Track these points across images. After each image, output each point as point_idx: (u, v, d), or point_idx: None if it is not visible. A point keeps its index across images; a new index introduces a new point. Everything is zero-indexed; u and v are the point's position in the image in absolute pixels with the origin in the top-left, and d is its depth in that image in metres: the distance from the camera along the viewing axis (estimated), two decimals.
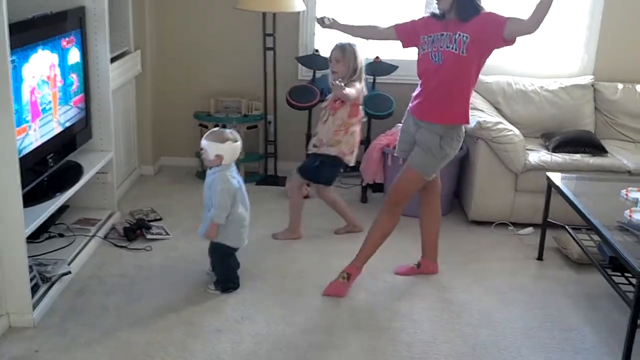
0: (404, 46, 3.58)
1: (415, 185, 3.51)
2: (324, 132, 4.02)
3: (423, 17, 3.50)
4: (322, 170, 4.07)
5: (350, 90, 3.86)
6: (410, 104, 3.52)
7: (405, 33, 3.52)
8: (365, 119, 4.09)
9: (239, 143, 3.41)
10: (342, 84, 3.79)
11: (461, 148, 3.55)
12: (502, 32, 3.20)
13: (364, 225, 4.24)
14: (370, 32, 3.70)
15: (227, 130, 3.44)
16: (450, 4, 3.28)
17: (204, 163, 3.46)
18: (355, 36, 3.75)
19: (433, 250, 3.78)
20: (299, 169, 4.14)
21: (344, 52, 3.92)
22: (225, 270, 3.49)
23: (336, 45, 3.98)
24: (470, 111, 3.40)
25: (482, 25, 3.23)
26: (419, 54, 3.46)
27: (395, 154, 3.78)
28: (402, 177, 3.50)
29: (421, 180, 3.48)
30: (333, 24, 3.66)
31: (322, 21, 3.66)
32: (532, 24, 3.17)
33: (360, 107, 4.01)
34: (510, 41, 3.25)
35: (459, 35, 3.25)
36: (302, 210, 4.22)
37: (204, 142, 3.37)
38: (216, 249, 3.47)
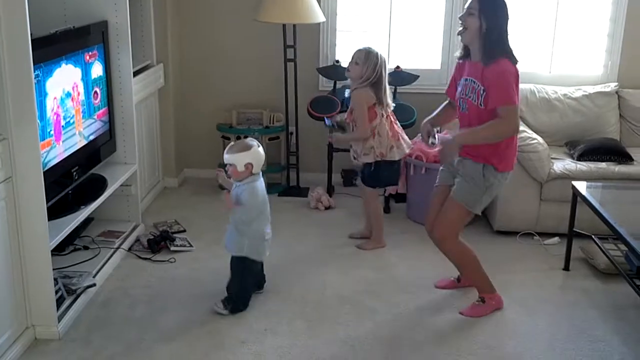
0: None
1: (460, 219, 3.39)
2: (354, 143, 4.06)
3: (457, 62, 3.43)
4: (378, 174, 4.08)
5: (339, 136, 4.09)
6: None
7: (453, 93, 3.44)
8: (386, 116, 4.03)
9: (262, 149, 3.34)
10: (334, 138, 4.02)
11: None
12: (491, 106, 3.14)
13: (386, 244, 4.24)
14: (449, 113, 3.54)
15: (245, 139, 3.38)
16: (472, 38, 3.20)
17: (232, 178, 3.31)
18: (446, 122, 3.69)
19: None
20: (363, 181, 4.16)
21: (368, 58, 3.90)
22: (241, 287, 3.38)
23: (362, 49, 3.95)
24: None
25: (491, 81, 3.13)
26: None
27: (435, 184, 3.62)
28: (446, 211, 3.39)
29: (465, 214, 3.37)
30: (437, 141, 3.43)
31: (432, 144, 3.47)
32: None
33: (378, 107, 3.96)
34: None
35: (478, 85, 3.18)
36: (382, 219, 4.26)
37: (227, 157, 3.26)
38: (239, 262, 3.38)
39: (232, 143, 3.43)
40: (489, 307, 3.47)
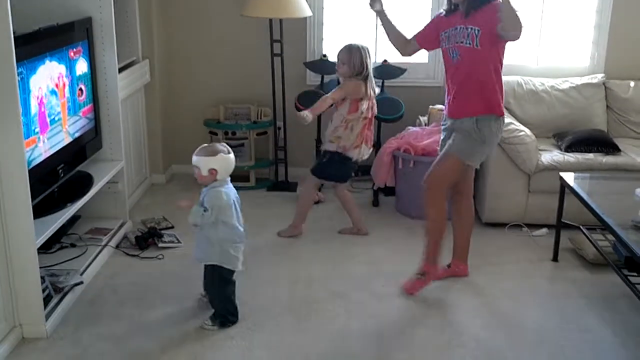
0: (428, 50, 3.64)
1: (453, 171, 3.48)
2: (328, 128, 4.12)
3: (437, 15, 3.54)
4: (330, 166, 4.11)
5: (312, 109, 3.98)
6: (444, 107, 3.58)
7: (424, 38, 3.58)
8: (365, 117, 4.05)
9: (232, 155, 3.21)
10: (306, 115, 3.92)
11: None
12: (497, 26, 3.20)
13: (369, 230, 4.24)
14: (399, 41, 3.69)
15: (217, 144, 3.25)
16: None
17: (198, 181, 3.21)
18: (388, 36, 3.70)
19: (464, 251, 3.76)
20: (312, 169, 4.20)
21: (350, 54, 3.95)
22: (224, 298, 3.26)
23: (344, 47, 4.00)
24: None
25: (491, 15, 3.22)
26: (442, 54, 3.51)
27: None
28: (440, 162, 3.48)
29: (460, 165, 3.46)
30: (380, 13, 3.65)
31: (373, 3, 3.64)
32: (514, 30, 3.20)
33: (362, 104, 3.99)
34: (504, 41, 3.28)
35: (471, 29, 3.27)
36: (309, 209, 4.28)
37: (194, 159, 3.16)
38: (214, 273, 3.23)
39: (204, 145, 3.28)
40: (428, 279, 3.57)
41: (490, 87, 3.37)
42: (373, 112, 4.12)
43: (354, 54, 3.94)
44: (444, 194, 3.52)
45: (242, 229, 3.27)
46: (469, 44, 3.30)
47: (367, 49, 4.00)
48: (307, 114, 3.93)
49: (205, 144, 3.29)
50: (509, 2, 3.13)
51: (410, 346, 3.10)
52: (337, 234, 4.30)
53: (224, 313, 3.26)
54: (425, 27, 3.60)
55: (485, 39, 3.26)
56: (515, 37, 3.23)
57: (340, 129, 4.03)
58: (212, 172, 3.14)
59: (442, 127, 3.63)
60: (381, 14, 3.68)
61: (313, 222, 4.44)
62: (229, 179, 3.24)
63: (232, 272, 3.25)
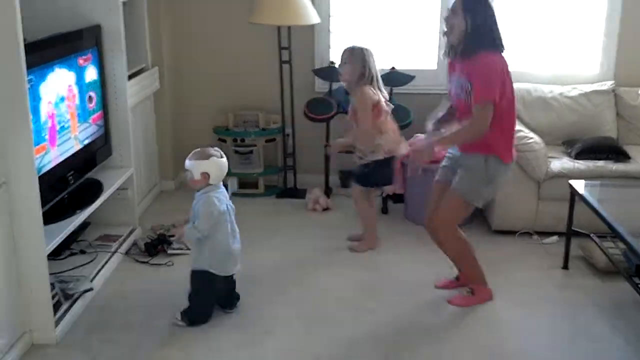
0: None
1: (459, 210, 3.40)
2: (359, 144, 4.04)
3: (448, 61, 3.44)
4: (375, 173, 4.06)
5: (337, 141, 4.12)
6: None
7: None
8: (387, 112, 4.01)
9: (224, 160, 3.24)
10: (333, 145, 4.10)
11: None
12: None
13: (379, 245, 4.21)
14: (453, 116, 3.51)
15: (211, 148, 3.27)
16: (458, 38, 3.21)
17: (190, 185, 3.26)
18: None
19: None
20: (356, 180, 4.15)
21: (352, 54, 3.92)
22: (199, 301, 3.27)
23: (346, 48, 3.98)
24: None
25: (473, 77, 3.15)
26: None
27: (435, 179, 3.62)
28: (445, 202, 3.40)
29: (465, 205, 3.38)
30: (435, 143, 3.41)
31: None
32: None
33: (382, 104, 3.96)
34: None
35: (465, 82, 3.19)
36: (375, 218, 4.24)
37: (187, 163, 3.19)
38: (199, 276, 3.25)
39: (196, 149, 3.29)
40: (478, 299, 3.51)
41: (492, 136, 3.21)
42: (389, 105, 4.06)
43: (356, 53, 3.90)
44: (456, 230, 3.46)
45: (235, 236, 3.27)
46: (464, 97, 3.22)
47: (370, 51, 3.95)
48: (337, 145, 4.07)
49: (198, 149, 3.30)
50: (445, 141, 3.16)
51: (418, 354, 3.08)
52: (346, 240, 4.28)
53: (197, 314, 3.28)
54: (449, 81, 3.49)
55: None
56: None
57: (377, 137, 3.96)
58: (205, 175, 3.17)
59: (448, 153, 3.54)
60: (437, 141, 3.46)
61: (323, 230, 4.44)
62: (221, 184, 3.25)
63: (220, 277, 3.26)
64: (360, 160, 4.07)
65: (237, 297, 3.45)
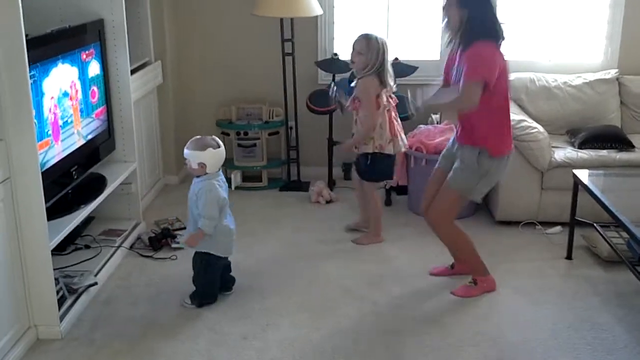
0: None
1: (454, 206, 3.44)
2: (356, 132, 4.05)
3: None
4: (375, 166, 4.05)
5: (346, 143, 4.10)
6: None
7: (447, 74, 3.48)
8: (387, 109, 4.00)
9: (221, 149, 3.32)
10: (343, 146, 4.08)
11: None
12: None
13: (384, 239, 4.21)
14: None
15: (209, 137, 3.35)
16: (456, 31, 3.23)
17: (190, 172, 3.38)
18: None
19: None
20: (359, 174, 4.16)
21: (369, 44, 3.85)
22: (206, 282, 3.39)
23: (361, 36, 3.89)
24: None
25: (465, 60, 3.16)
26: None
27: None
28: (440, 197, 3.43)
29: (460, 199, 3.41)
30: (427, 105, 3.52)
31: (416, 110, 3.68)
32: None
33: (382, 97, 3.94)
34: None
35: (462, 71, 3.19)
36: (381, 212, 4.24)
37: (185, 152, 3.31)
38: (201, 258, 3.36)
39: (195, 137, 3.38)
40: (480, 289, 3.53)
41: (485, 125, 3.26)
42: (394, 100, 4.05)
43: (372, 44, 3.84)
44: (453, 223, 3.49)
45: (233, 221, 3.39)
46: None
47: (385, 42, 3.91)
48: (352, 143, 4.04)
49: (198, 137, 3.37)
50: (445, 106, 3.18)
51: (423, 345, 3.09)
52: (350, 233, 4.29)
53: (203, 294, 3.39)
54: (445, 66, 3.51)
55: None
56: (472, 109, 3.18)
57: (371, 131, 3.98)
58: (202, 165, 3.28)
59: (448, 143, 3.59)
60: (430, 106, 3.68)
61: (326, 222, 4.44)
62: (220, 172, 3.34)
63: (219, 258, 3.35)
64: (356, 150, 4.08)
65: (233, 280, 3.53)
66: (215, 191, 3.26)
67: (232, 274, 3.55)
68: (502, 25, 3.22)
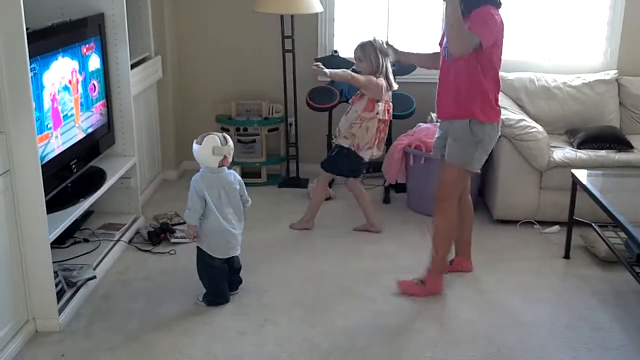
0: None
1: (458, 179, 3.43)
2: (342, 122, 4.12)
3: None
4: (339, 160, 4.12)
5: (332, 71, 4.03)
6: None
7: (440, 42, 3.49)
8: (380, 119, 4.05)
9: (196, 148, 3.27)
10: (320, 65, 4.04)
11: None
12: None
13: (382, 227, 4.23)
14: (428, 61, 3.66)
15: (205, 135, 3.30)
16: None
17: None
18: (420, 65, 3.72)
19: (467, 248, 3.75)
20: (322, 163, 4.23)
21: (364, 50, 3.95)
22: (208, 281, 3.39)
23: (357, 45, 4.00)
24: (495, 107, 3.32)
25: (474, 22, 3.14)
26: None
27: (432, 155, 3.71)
28: (443, 173, 3.44)
29: (462, 172, 3.41)
30: (398, 56, 3.70)
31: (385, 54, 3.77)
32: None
33: (379, 105, 3.99)
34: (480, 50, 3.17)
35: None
36: (320, 203, 4.31)
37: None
38: (198, 253, 3.37)
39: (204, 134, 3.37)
40: (426, 291, 3.49)
41: (474, 91, 3.25)
42: (389, 116, 4.12)
43: (367, 48, 3.93)
44: (453, 204, 3.46)
45: (229, 220, 3.31)
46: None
47: (378, 41, 3.94)
48: (326, 70, 4.01)
49: (204, 133, 3.34)
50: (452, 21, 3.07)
51: (420, 342, 3.10)
52: (348, 230, 4.30)
53: (211, 294, 3.38)
54: (442, 34, 3.51)
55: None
56: (458, 54, 3.16)
57: (356, 127, 4.02)
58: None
59: (438, 126, 3.60)
60: (400, 56, 3.77)
61: (324, 219, 4.45)
62: (223, 168, 3.30)
63: (213, 257, 3.33)
64: (334, 138, 4.16)
65: (239, 281, 3.51)
66: (195, 184, 3.26)
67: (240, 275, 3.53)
68: None
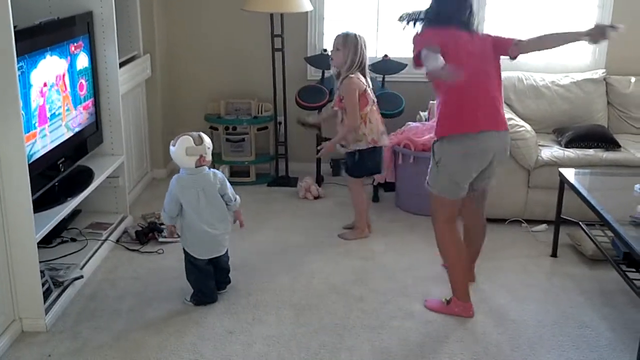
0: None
1: (436, 205, 3.29)
2: (345, 133, 4.03)
3: None
4: (364, 162, 4.06)
5: (327, 144, 4.13)
6: None
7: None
8: (375, 102, 4.04)
9: (173, 149, 3.23)
10: (324, 148, 4.11)
11: None
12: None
13: (369, 233, 4.23)
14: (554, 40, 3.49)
15: (180, 135, 3.26)
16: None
17: None
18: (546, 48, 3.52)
19: (470, 271, 3.60)
20: (346, 171, 4.17)
21: (346, 41, 3.91)
22: (193, 280, 3.37)
23: (339, 34, 3.96)
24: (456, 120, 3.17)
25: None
26: None
27: None
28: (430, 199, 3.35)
29: (439, 201, 3.25)
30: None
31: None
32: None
33: (369, 92, 3.98)
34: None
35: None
36: (366, 208, 4.24)
37: None
38: (183, 253, 3.36)
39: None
40: (450, 310, 3.32)
41: (441, 109, 3.20)
42: (374, 94, 4.09)
43: (350, 40, 3.90)
44: (451, 227, 3.31)
45: (209, 221, 3.27)
46: None
47: (363, 38, 3.95)
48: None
49: (180, 134, 3.31)
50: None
51: (408, 340, 3.11)
52: (336, 229, 4.29)
53: (197, 293, 3.37)
54: None
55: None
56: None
57: (362, 127, 3.97)
58: None
59: None
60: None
61: (314, 218, 4.45)
62: (192, 166, 3.23)
63: (198, 259, 3.32)
64: (342, 148, 4.08)
65: (227, 282, 3.50)
66: (171, 185, 3.26)
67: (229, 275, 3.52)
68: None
